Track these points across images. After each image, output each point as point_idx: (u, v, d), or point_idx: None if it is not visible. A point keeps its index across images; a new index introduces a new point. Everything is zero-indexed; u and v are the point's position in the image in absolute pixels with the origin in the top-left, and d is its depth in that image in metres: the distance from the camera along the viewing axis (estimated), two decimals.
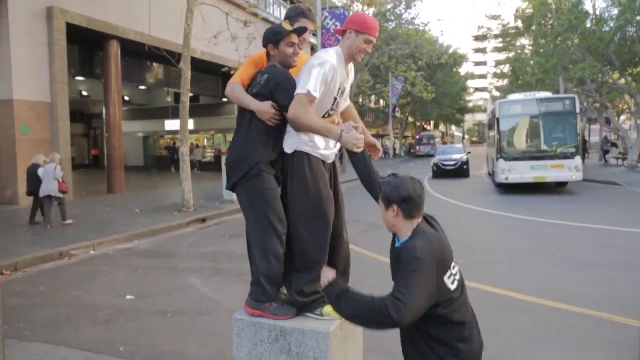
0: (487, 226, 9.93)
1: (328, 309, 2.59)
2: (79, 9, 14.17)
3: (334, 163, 2.79)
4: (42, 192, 9.65)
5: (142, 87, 24.84)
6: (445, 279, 1.93)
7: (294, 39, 2.59)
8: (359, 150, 2.37)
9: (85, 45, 16.60)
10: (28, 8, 12.97)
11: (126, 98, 25.45)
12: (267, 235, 2.55)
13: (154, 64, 20.21)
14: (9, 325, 4.63)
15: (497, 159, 15.05)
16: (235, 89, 2.64)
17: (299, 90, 2.42)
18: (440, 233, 2.06)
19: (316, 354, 2.48)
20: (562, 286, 5.46)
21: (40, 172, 9.79)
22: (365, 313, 1.91)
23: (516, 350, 3.87)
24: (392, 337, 4.15)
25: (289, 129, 2.61)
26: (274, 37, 2.58)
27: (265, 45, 2.62)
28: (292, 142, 2.60)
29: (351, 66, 2.75)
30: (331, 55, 2.50)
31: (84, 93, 23.59)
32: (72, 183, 14.39)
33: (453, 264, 2.03)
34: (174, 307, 5.10)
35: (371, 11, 27.98)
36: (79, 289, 5.95)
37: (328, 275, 2.12)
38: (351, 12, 20.68)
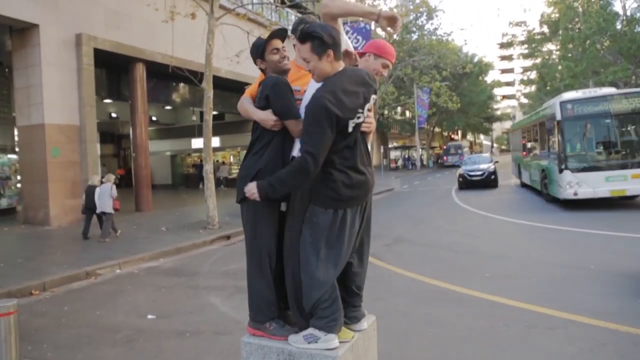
0: (526, 238, 9.46)
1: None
2: (106, 34, 14.65)
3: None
4: (99, 209, 10.67)
5: (168, 107, 25.38)
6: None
7: (275, 44, 2.62)
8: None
9: (112, 69, 17.11)
10: (58, 36, 13.47)
11: (153, 118, 26.07)
12: (251, 258, 2.62)
13: (180, 84, 20.65)
14: (32, 347, 4.71)
15: (561, 171, 12.54)
16: (244, 102, 2.74)
17: None
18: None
19: None
20: (596, 300, 5.18)
21: (97, 191, 10.79)
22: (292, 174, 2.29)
23: None
24: (410, 356, 4.01)
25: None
26: (256, 51, 2.63)
27: (255, 63, 2.65)
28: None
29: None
30: None
31: (113, 115, 24.27)
32: None
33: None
34: (193, 326, 5.07)
35: None
36: (102, 308, 6.00)
37: (250, 186, 2.42)
38: (372, 25, 20.66)
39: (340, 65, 2.43)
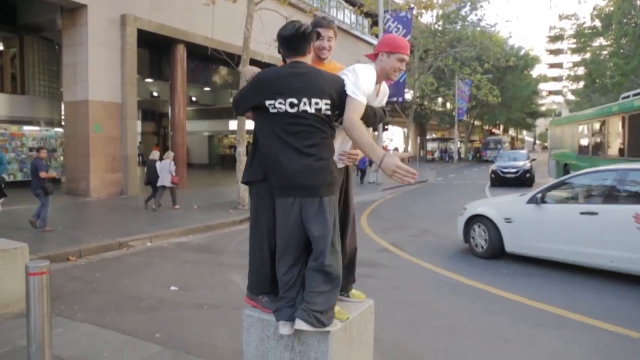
0: None
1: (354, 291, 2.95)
2: (149, 15, 15.10)
3: (347, 167, 2.86)
4: (159, 182, 11.84)
5: (207, 89, 25.91)
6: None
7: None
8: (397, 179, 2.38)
9: (154, 49, 17.65)
10: (105, 16, 14.01)
11: (193, 98, 26.69)
12: (251, 235, 2.82)
13: (219, 66, 21.06)
14: (65, 306, 5.10)
15: None
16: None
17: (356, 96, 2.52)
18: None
19: (317, 353, 2.55)
20: (610, 304, 5.13)
21: (157, 165, 12.02)
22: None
23: None
24: (416, 344, 4.13)
25: None
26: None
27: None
28: None
29: (383, 87, 2.85)
30: (371, 69, 2.68)
31: (154, 94, 25.01)
32: (139, 179, 15.37)
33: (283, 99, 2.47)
34: (213, 300, 5.35)
35: (431, 14, 27.47)
36: (130, 277, 6.38)
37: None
38: (412, 13, 20.37)
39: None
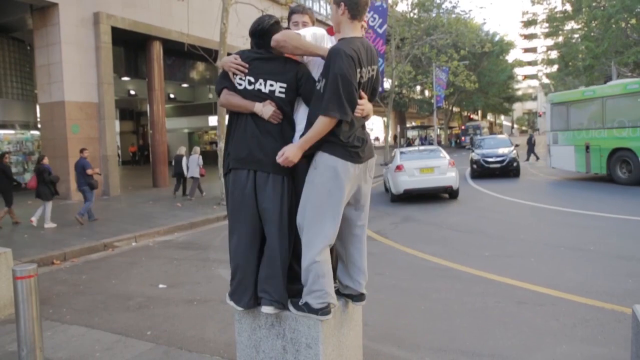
0: (533, 220, 9.44)
1: None
2: (123, 12, 14.89)
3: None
4: (190, 174, 13.82)
5: (185, 85, 25.67)
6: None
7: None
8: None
9: (130, 47, 17.40)
10: (77, 15, 13.77)
11: (171, 95, 26.43)
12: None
13: (197, 62, 20.87)
14: (53, 310, 5.09)
15: None
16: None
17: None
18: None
19: (308, 339, 2.63)
20: (588, 280, 5.33)
21: (184, 160, 14.04)
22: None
23: (525, 343, 3.87)
24: (401, 327, 4.26)
25: None
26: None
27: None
28: None
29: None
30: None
31: (132, 92, 24.69)
32: (119, 178, 15.22)
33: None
34: (201, 295, 5.40)
35: (406, 2, 27.58)
36: (117, 277, 6.38)
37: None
38: (388, 2, 20.43)
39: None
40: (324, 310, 2.55)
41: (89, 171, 10.19)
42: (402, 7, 28.23)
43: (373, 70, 2.62)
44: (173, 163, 14.48)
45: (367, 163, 2.63)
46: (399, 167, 12.10)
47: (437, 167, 11.92)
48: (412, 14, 27.87)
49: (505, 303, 4.79)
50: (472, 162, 18.17)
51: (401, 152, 13.46)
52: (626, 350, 3.49)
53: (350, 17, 2.52)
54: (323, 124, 2.41)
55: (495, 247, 7.17)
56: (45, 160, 10.32)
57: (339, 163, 2.49)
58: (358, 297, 2.81)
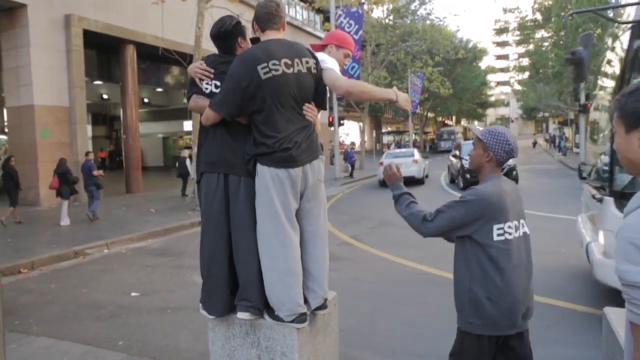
0: None
1: None
2: (96, 15, 14.59)
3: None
4: (192, 175, 13.40)
5: (160, 89, 25.31)
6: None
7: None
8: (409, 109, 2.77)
9: (103, 50, 17.07)
10: (47, 17, 13.42)
11: (145, 100, 25.97)
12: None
13: (171, 66, 20.61)
14: (19, 321, 4.91)
15: None
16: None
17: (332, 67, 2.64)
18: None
19: (283, 347, 2.59)
20: (560, 283, 5.44)
21: (187, 162, 14.97)
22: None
23: None
24: (377, 332, 4.25)
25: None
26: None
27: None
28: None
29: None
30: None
31: (105, 96, 24.17)
32: None
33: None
34: (174, 303, 5.30)
35: (381, 8, 27.88)
36: (87, 286, 6.20)
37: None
38: (363, 9, 20.63)
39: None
40: (299, 319, 2.52)
41: (95, 172, 11.08)
42: (377, 14, 28.54)
43: (301, 64, 2.50)
44: (177, 165, 15.95)
45: (308, 166, 2.54)
46: (380, 163, 17.76)
47: (404, 163, 17.02)
48: (387, 20, 28.19)
49: None
50: (460, 168, 15.64)
51: (387, 153, 20.71)
52: (599, 351, 3.56)
53: (261, 30, 2.57)
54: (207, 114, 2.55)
55: None
56: (13, 161, 10.85)
57: (268, 171, 2.47)
58: (319, 307, 2.68)
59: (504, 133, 2.30)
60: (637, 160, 1.26)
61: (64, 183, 10.62)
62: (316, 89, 2.61)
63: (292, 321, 2.51)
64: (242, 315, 2.59)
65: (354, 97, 2.66)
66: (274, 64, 2.41)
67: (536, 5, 28.02)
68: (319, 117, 2.80)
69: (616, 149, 1.34)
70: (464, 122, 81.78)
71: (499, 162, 2.32)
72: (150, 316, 4.95)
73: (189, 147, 17.52)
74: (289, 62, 2.45)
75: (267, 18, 2.53)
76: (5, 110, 14.84)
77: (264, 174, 2.48)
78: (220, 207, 2.59)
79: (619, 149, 1.31)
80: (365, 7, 21.98)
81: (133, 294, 5.74)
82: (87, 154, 11.56)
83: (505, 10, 29.47)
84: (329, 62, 2.64)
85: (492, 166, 2.33)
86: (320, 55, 2.68)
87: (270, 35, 2.55)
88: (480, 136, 2.33)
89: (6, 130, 15.35)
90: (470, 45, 48.75)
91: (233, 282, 2.68)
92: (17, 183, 10.81)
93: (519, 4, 29.36)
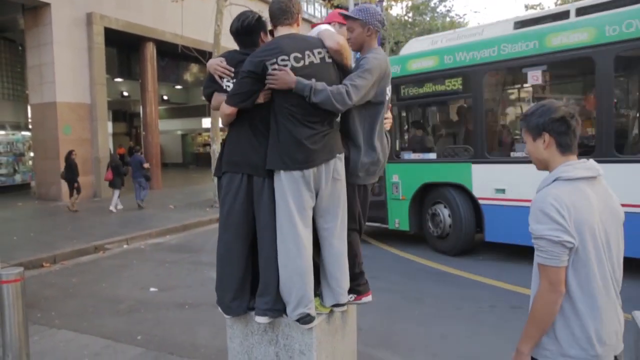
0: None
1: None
2: (116, 13, 14.78)
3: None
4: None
5: (179, 87, 25.55)
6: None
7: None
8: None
9: (123, 48, 17.28)
10: (69, 15, 13.65)
11: (165, 97, 26.26)
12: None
13: (190, 63, 20.77)
14: (41, 314, 5.00)
15: None
16: None
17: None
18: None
19: (301, 345, 2.57)
20: None
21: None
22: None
23: (504, 345, 3.82)
24: (397, 332, 4.20)
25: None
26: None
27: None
28: None
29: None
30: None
31: (125, 93, 24.49)
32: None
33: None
34: (193, 299, 5.32)
35: (400, 5, 27.64)
36: (107, 281, 6.28)
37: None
38: (382, 6, 20.49)
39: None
40: (304, 320, 2.51)
41: (146, 165, 12.47)
42: (396, 11, 28.31)
43: (313, 55, 2.48)
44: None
45: (323, 166, 2.50)
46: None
47: None
48: (406, 18, 27.94)
49: (499, 307, 4.75)
50: None
51: None
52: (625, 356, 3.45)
53: (273, 26, 2.61)
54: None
55: (489, 251, 7.14)
56: (74, 155, 11.89)
57: (283, 173, 2.47)
58: (337, 304, 2.68)
59: (373, 6, 2.63)
60: (543, 158, 1.74)
61: (117, 175, 11.96)
62: (341, 69, 2.62)
63: (297, 320, 2.51)
64: (260, 319, 2.58)
65: (344, 52, 2.59)
66: (282, 60, 2.42)
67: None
68: None
69: (527, 153, 1.80)
70: None
71: (377, 33, 2.61)
72: (168, 312, 4.98)
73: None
74: (299, 55, 2.45)
75: (279, 14, 2.55)
76: (29, 107, 15.16)
77: (279, 173, 2.50)
78: (242, 207, 2.58)
79: (530, 152, 1.77)
80: (385, 4, 21.83)
81: (152, 289, 5.79)
82: (134, 148, 13.58)
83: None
84: (324, 27, 2.70)
85: (373, 38, 2.64)
86: (321, 26, 2.71)
87: (282, 30, 2.57)
88: (355, 15, 2.60)
89: (30, 126, 15.68)
90: None
91: (249, 282, 2.67)
92: (75, 174, 11.85)
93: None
